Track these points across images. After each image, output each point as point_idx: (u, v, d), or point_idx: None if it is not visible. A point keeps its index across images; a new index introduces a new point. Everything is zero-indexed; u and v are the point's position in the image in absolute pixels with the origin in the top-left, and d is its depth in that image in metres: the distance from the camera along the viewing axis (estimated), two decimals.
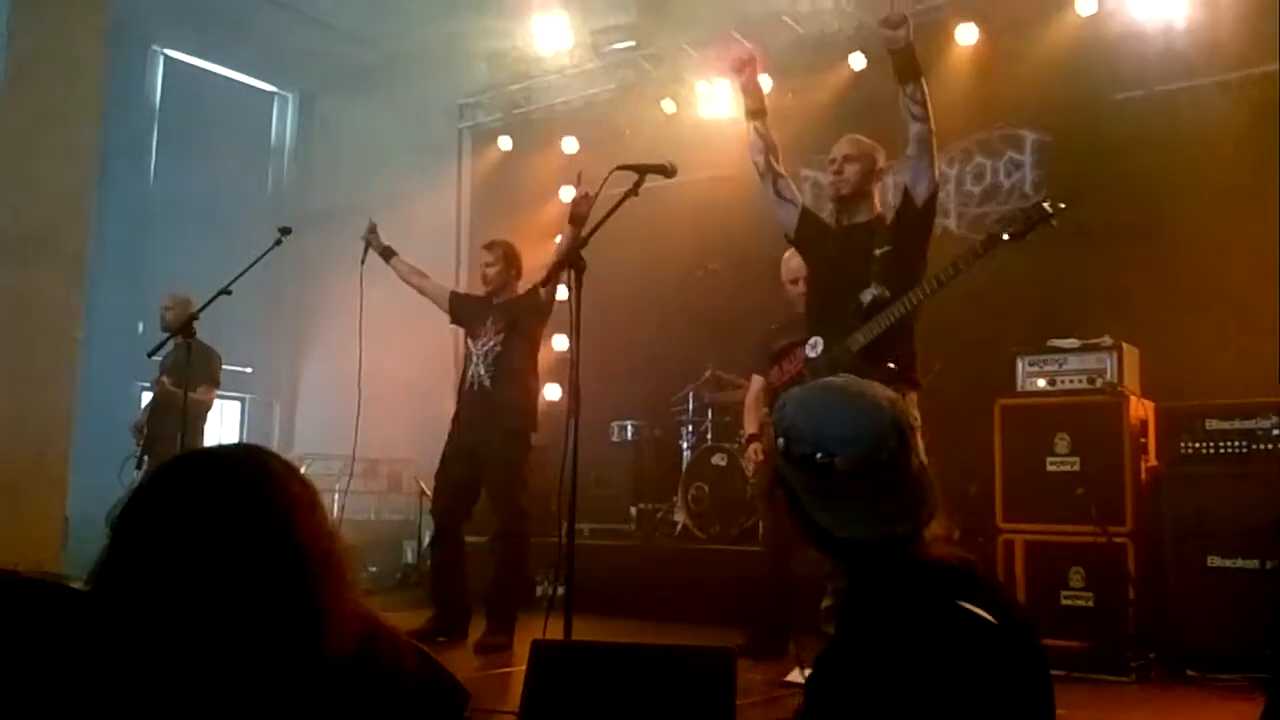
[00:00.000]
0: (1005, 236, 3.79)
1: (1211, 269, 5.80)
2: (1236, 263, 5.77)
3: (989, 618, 1.48)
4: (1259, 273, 5.74)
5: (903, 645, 1.46)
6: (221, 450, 1.55)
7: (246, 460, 1.50)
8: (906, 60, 3.85)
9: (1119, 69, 6.89)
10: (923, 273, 3.93)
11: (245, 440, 11.48)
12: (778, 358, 5.26)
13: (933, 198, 3.93)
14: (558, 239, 5.79)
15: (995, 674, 1.45)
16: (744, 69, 4.33)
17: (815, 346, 4.07)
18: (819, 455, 1.57)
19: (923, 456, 1.58)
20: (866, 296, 3.89)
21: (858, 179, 4.09)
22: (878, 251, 3.93)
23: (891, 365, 3.85)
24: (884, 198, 4.17)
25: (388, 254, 5.90)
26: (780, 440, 1.65)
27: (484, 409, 5.56)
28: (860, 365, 3.82)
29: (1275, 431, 4.88)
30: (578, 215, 5.34)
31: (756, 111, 4.35)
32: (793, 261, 5.42)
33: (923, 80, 3.88)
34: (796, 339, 5.29)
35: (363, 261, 5.72)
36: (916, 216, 3.96)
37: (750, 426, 5.63)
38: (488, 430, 5.53)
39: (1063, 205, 3.76)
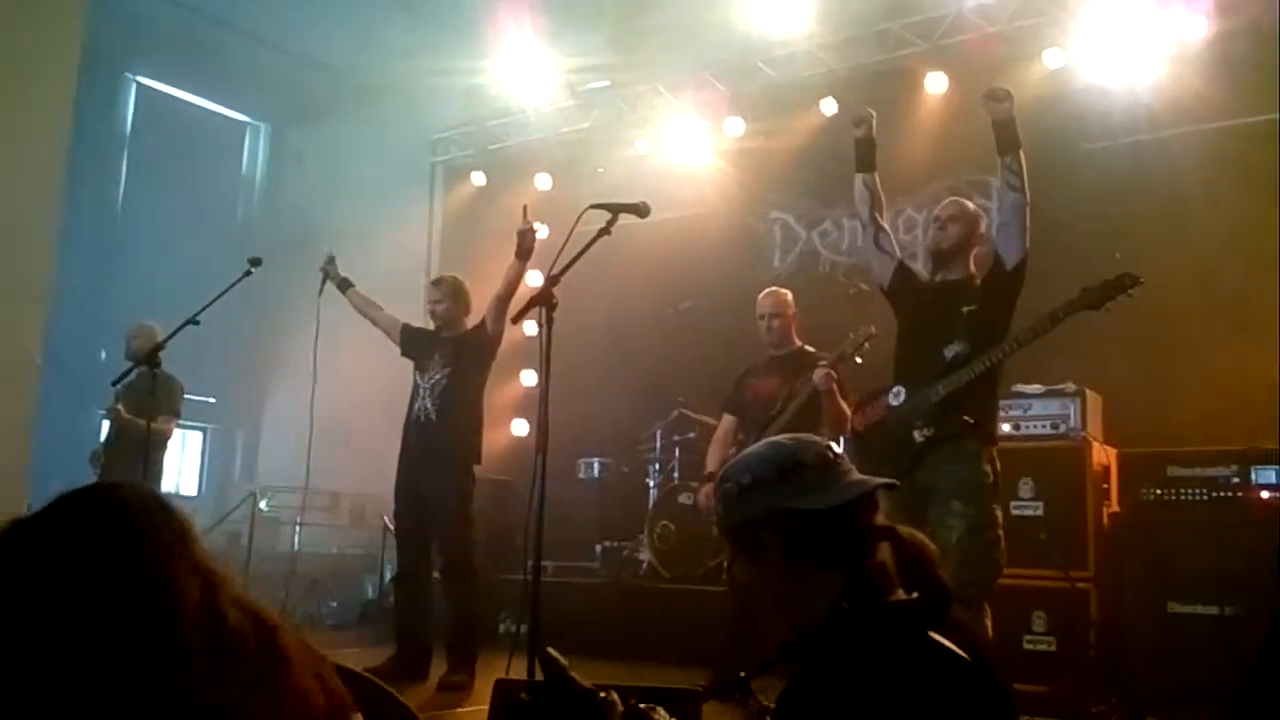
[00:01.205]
0: (1088, 305, 3.94)
1: (1175, 318, 5.89)
2: (1200, 311, 5.86)
3: (960, 652, 1.49)
4: (1222, 321, 5.84)
5: (872, 678, 1.45)
6: (58, 509, 1.28)
7: (92, 514, 1.26)
8: (1007, 132, 4.08)
9: (1086, 120, 7.02)
10: (1006, 333, 4.08)
11: (207, 471, 11.35)
12: (753, 399, 5.41)
13: (1022, 264, 4.07)
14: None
15: (966, 708, 1.45)
16: (861, 125, 4.53)
17: (898, 395, 4.20)
18: (788, 465, 1.69)
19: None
20: (950, 351, 4.06)
21: (958, 238, 4.24)
22: (965, 309, 4.09)
23: (968, 419, 3.99)
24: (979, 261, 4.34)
25: (344, 285, 5.93)
26: (746, 476, 1.72)
27: (429, 443, 5.56)
28: (939, 416, 4.01)
29: (1235, 479, 4.95)
30: (523, 248, 5.44)
31: (868, 166, 4.54)
32: (765, 300, 5.49)
33: (1021, 153, 4.06)
34: (767, 377, 5.38)
35: (320, 293, 5.79)
36: (1005, 279, 4.10)
37: (711, 465, 5.67)
38: (433, 464, 5.54)
39: (1141, 280, 3.90)
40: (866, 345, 5.13)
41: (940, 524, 3.87)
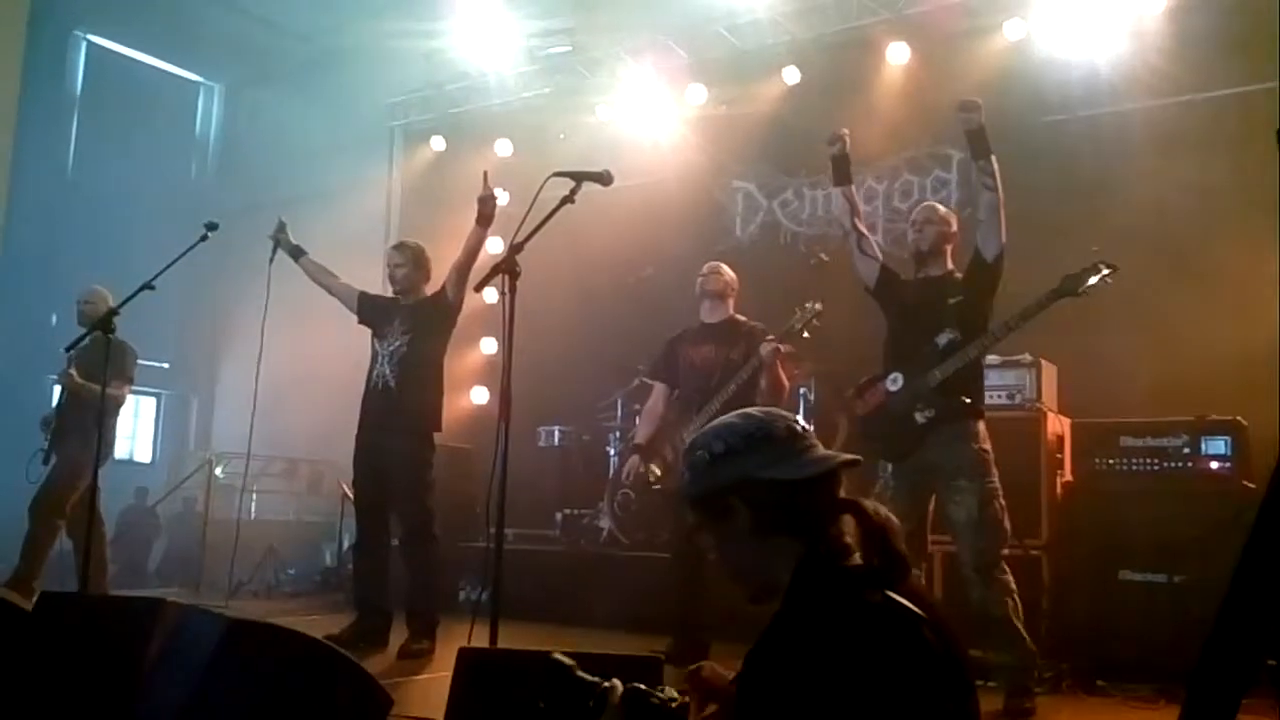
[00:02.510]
0: (1068, 292, 4.26)
1: (1131, 289, 5.96)
2: (1156, 284, 5.94)
3: (916, 610, 1.54)
4: (1177, 293, 5.92)
5: (833, 635, 1.50)
6: None
7: None
8: (979, 140, 4.41)
9: (1045, 92, 7.07)
10: (988, 318, 4.45)
11: (161, 437, 11.23)
12: (689, 368, 5.53)
13: (1001, 255, 4.43)
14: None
15: (922, 663, 1.50)
16: (836, 143, 4.83)
17: (896, 381, 4.52)
18: (758, 434, 1.73)
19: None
20: (943, 339, 4.42)
21: (934, 239, 4.64)
22: (952, 301, 4.46)
23: (966, 399, 4.37)
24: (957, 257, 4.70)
25: (297, 253, 5.80)
26: (719, 444, 1.75)
27: (389, 410, 5.50)
28: (937, 398, 4.36)
29: (1186, 450, 5.04)
30: (484, 215, 5.40)
31: (845, 179, 4.90)
32: (709, 278, 5.65)
33: (993, 157, 4.41)
34: (700, 345, 5.43)
35: (270, 260, 5.64)
36: (986, 270, 4.45)
37: (641, 435, 5.83)
38: (392, 431, 5.49)
39: (1117, 266, 4.25)
40: (815, 322, 5.33)
41: (951, 501, 4.30)
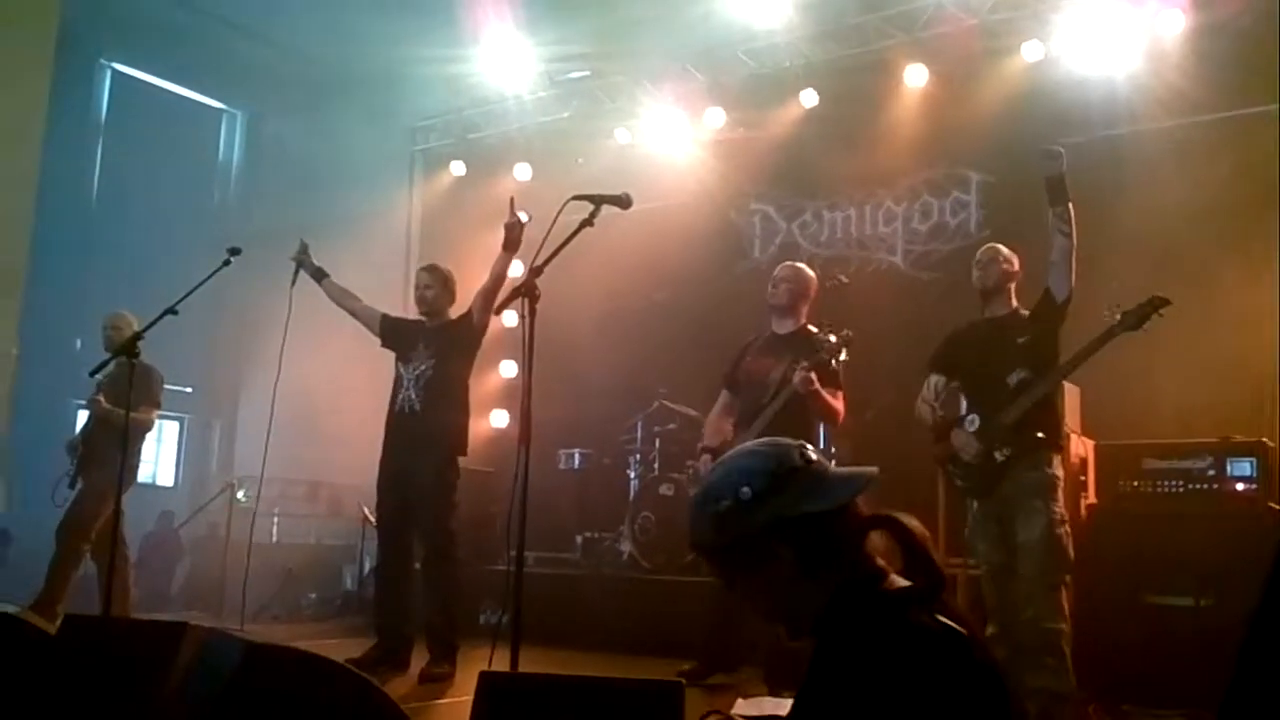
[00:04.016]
0: (1130, 328, 4.40)
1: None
2: (1178, 305, 5.89)
3: (959, 628, 1.51)
4: (1199, 315, 5.88)
5: (886, 663, 1.47)
6: None
7: None
8: (1057, 188, 4.56)
9: (1064, 113, 7.05)
10: (1056, 354, 4.58)
11: (184, 461, 11.28)
12: (747, 379, 5.31)
13: (1069, 298, 4.56)
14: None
15: (978, 685, 1.48)
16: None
17: (974, 423, 4.63)
18: (780, 470, 1.69)
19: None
20: (1014, 379, 4.53)
21: (998, 278, 4.79)
22: (1020, 340, 4.60)
23: (1040, 435, 4.47)
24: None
25: (319, 275, 5.80)
26: (746, 490, 1.69)
27: (414, 433, 5.50)
28: (1013, 436, 4.47)
29: (1211, 472, 5.00)
30: (511, 240, 5.38)
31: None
32: (783, 268, 5.52)
33: (1070, 204, 4.54)
34: (762, 356, 5.28)
35: (292, 283, 5.64)
36: (1054, 310, 4.58)
37: (708, 438, 5.53)
38: (418, 454, 5.48)
39: (1170, 301, 4.40)
40: (844, 352, 5.11)
41: (1024, 523, 4.40)
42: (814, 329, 5.25)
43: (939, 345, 4.96)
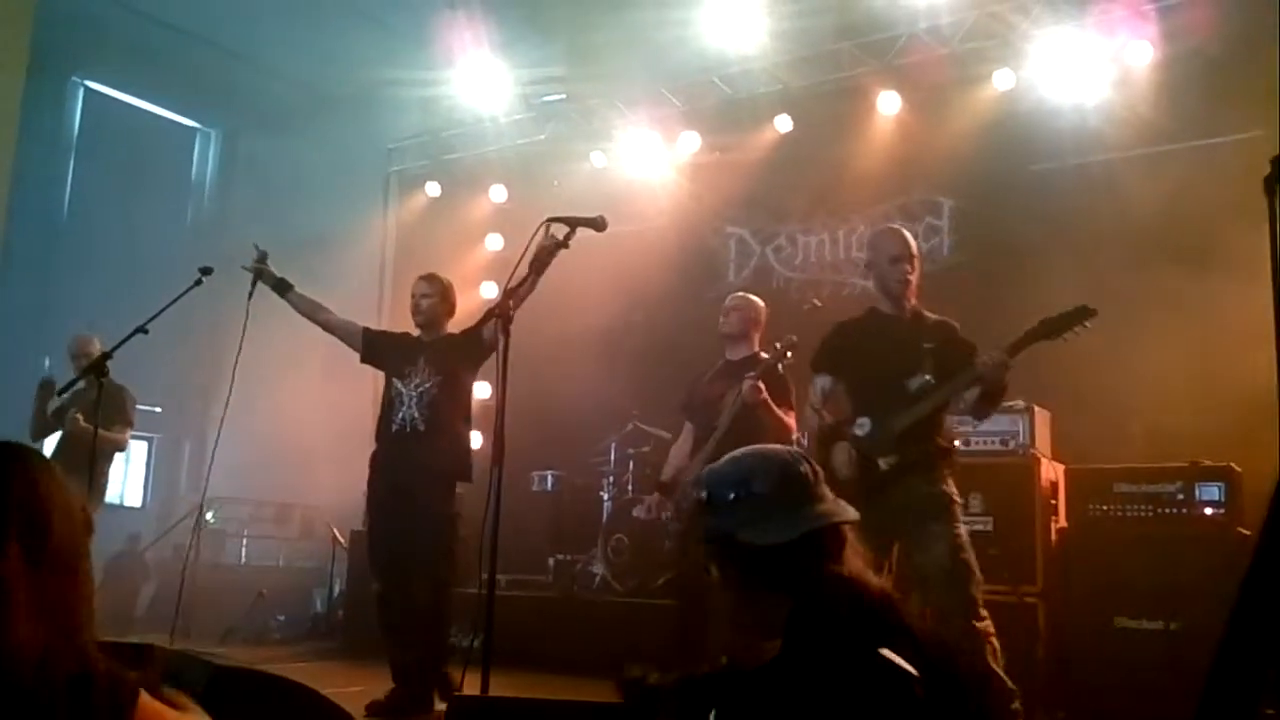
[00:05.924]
0: (1046, 335, 4.04)
1: (1123, 336, 6.00)
2: (1147, 329, 5.97)
3: (909, 669, 1.49)
4: (1170, 339, 5.94)
5: (822, 694, 1.47)
6: None
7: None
8: (995, 397, 4.24)
9: (1035, 141, 7.15)
10: (964, 361, 4.19)
11: (152, 482, 11.16)
12: (701, 405, 5.33)
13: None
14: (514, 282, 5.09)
15: None
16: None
17: (863, 426, 4.25)
18: (740, 491, 1.69)
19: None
20: (915, 383, 4.17)
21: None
22: (926, 345, 4.22)
23: (941, 444, 4.19)
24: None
25: (282, 287, 5.33)
26: (705, 493, 1.74)
27: (417, 455, 5.11)
28: (903, 444, 4.10)
29: (1180, 496, 5.05)
30: (541, 263, 4.64)
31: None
32: (732, 297, 5.55)
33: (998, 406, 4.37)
34: (715, 382, 5.31)
35: (249, 295, 5.16)
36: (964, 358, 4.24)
37: (665, 472, 5.57)
38: (422, 477, 5.10)
39: (1095, 311, 4.00)
40: (789, 355, 5.08)
41: (919, 547, 4.01)
42: (764, 355, 5.27)
43: (825, 340, 4.52)
